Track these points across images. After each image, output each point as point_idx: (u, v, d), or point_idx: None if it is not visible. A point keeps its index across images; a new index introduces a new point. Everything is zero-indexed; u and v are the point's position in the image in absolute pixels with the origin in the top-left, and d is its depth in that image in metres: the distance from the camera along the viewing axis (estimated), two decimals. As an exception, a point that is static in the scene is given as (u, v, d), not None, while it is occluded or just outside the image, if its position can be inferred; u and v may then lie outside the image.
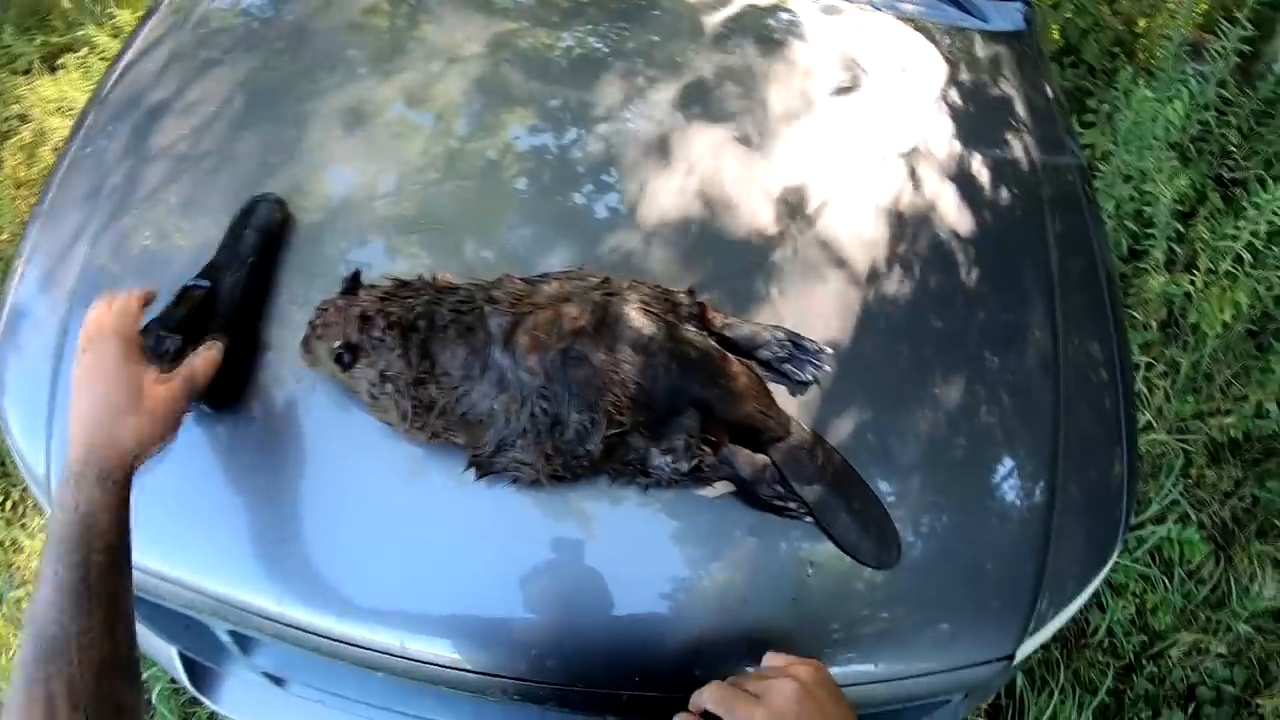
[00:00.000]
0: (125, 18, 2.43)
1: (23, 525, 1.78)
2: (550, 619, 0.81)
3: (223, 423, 0.86)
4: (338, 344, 0.79)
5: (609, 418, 0.77)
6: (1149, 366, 1.89)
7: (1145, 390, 1.86)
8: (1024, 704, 1.52)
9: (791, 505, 0.82)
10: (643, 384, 0.78)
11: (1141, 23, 2.47)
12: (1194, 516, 1.73)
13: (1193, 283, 1.88)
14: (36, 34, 2.43)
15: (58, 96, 2.25)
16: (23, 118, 2.24)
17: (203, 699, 1.09)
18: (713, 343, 0.84)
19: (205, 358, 0.77)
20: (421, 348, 0.78)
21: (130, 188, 1.02)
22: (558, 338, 0.77)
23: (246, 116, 1.07)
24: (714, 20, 1.23)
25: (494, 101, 1.08)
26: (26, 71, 2.37)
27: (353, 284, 0.84)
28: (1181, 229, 1.96)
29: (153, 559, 0.83)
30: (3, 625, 1.67)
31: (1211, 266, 1.88)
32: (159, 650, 1.06)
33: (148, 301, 0.77)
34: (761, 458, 0.82)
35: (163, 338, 0.79)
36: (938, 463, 0.89)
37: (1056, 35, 2.40)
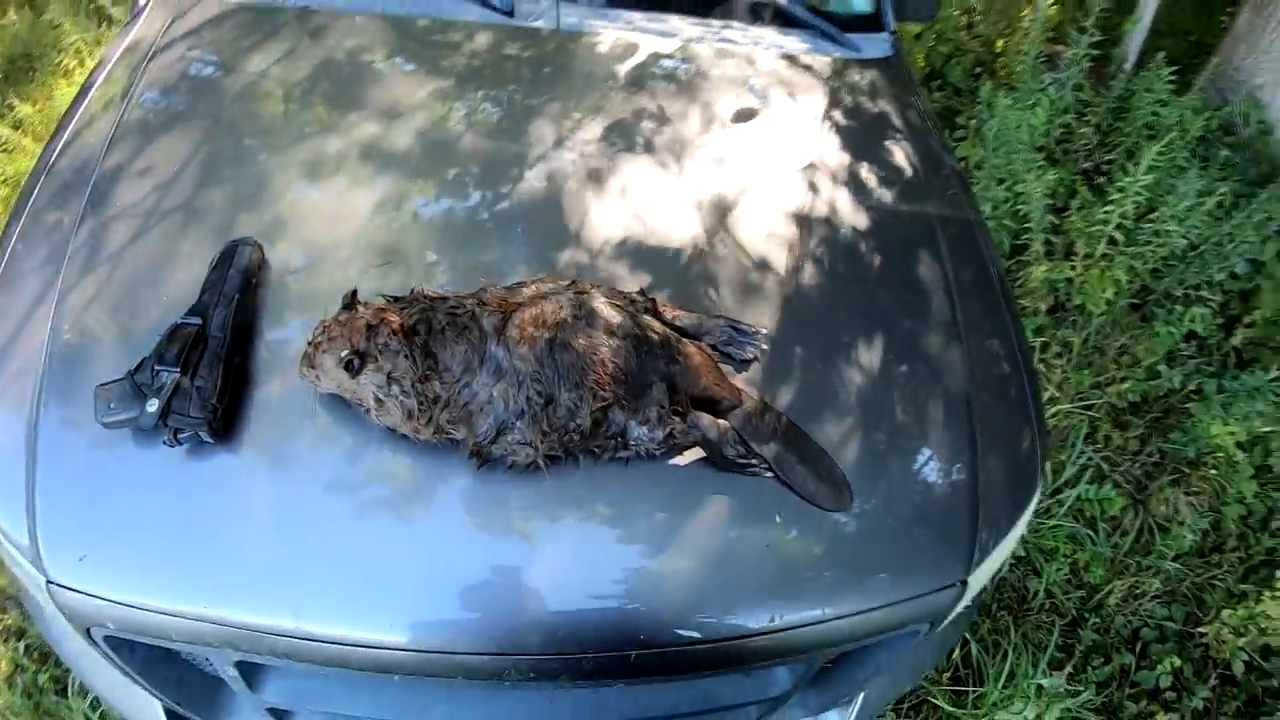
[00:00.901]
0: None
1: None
2: (552, 596, 0.87)
3: (219, 453, 0.90)
4: (345, 352, 0.86)
5: (594, 393, 0.87)
6: (1044, 347, 2.06)
7: (1044, 369, 2.03)
8: (982, 672, 1.61)
9: (754, 462, 0.93)
10: (619, 363, 0.89)
11: (999, 43, 2.75)
12: (1109, 475, 1.89)
13: (1073, 268, 2.08)
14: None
15: None
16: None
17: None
18: (668, 329, 0.96)
19: None
20: (424, 348, 0.87)
21: (85, 263, 1.04)
22: (545, 329, 0.88)
23: (202, 175, 1.13)
24: (625, 68, 1.36)
25: (444, 146, 1.19)
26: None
27: (351, 301, 0.91)
28: (1057, 221, 2.17)
29: (163, 598, 0.85)
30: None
31: (1089, 251, 2.08)
32: (141, 708, 1.07)
33: None
34: (723, 422, 0.93)
35: (158, 372, 0.85)
36: (872, 443, 1.01)
37: (922, 63, 2.65)
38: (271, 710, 1.03)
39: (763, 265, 1.13)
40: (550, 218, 1.13)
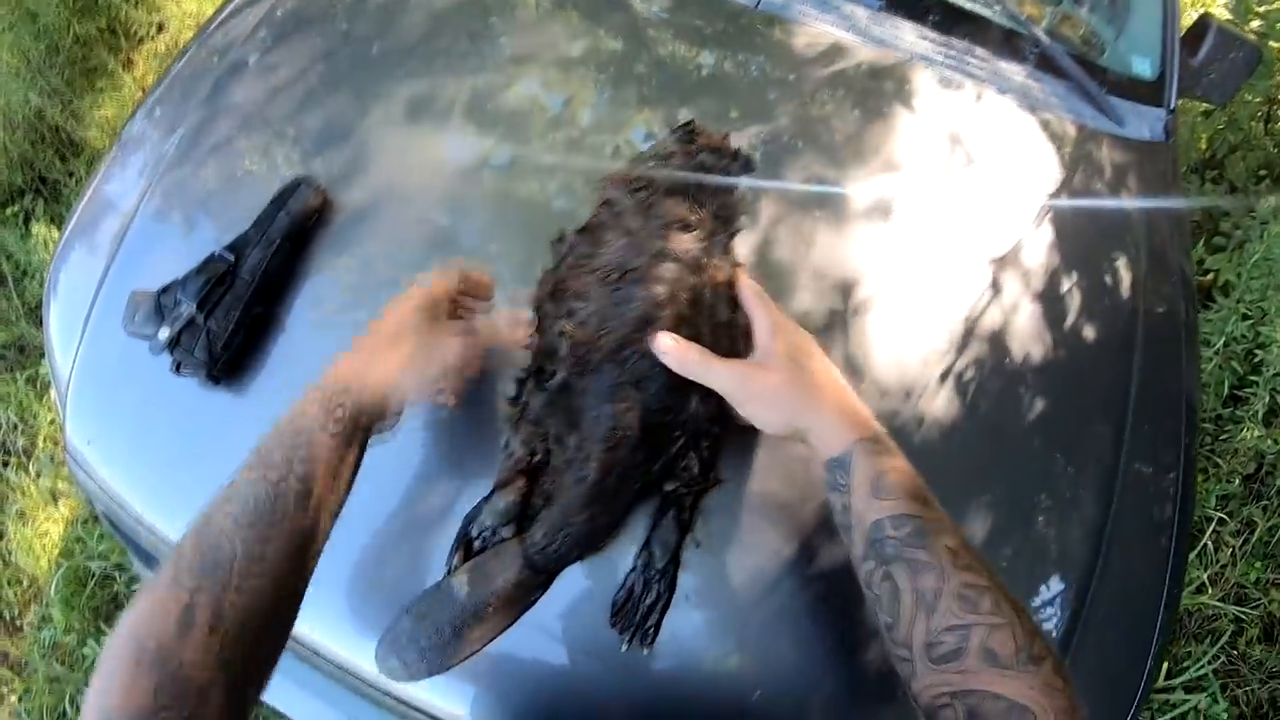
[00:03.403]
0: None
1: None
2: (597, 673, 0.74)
3: (226, 396, 0.87)
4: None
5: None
6: (1222, 521, 1.74)
7: (1211, 546, 1.72)
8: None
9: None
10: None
11: (1301, 151, 2.27)
12: (1231, 689, 1.59)
13: (1292, 444, 1.72)
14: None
15: (196, 12, 2.36)
16: (160, 27, 2.36)
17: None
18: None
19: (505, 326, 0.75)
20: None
21: (201, 133, 1.05)
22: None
23: (319, 93, 1.07)
24: (818, 72, 1.15)
25: (587, 106, 1.04)
26: (173, -18, 2.50)
27: None
28: (1294, 384, 1.80)
29: (144, 509, 0.85)
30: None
31: (1317, 431, 1.72)
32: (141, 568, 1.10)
33: (476, 292, 0.73)
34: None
35: (179, 301, 0.82)
36: None
37: (1204, 146, 2.23)
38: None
39: (922, 332, 0.94)
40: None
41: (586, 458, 0.63)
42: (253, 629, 0.50)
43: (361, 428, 0.59)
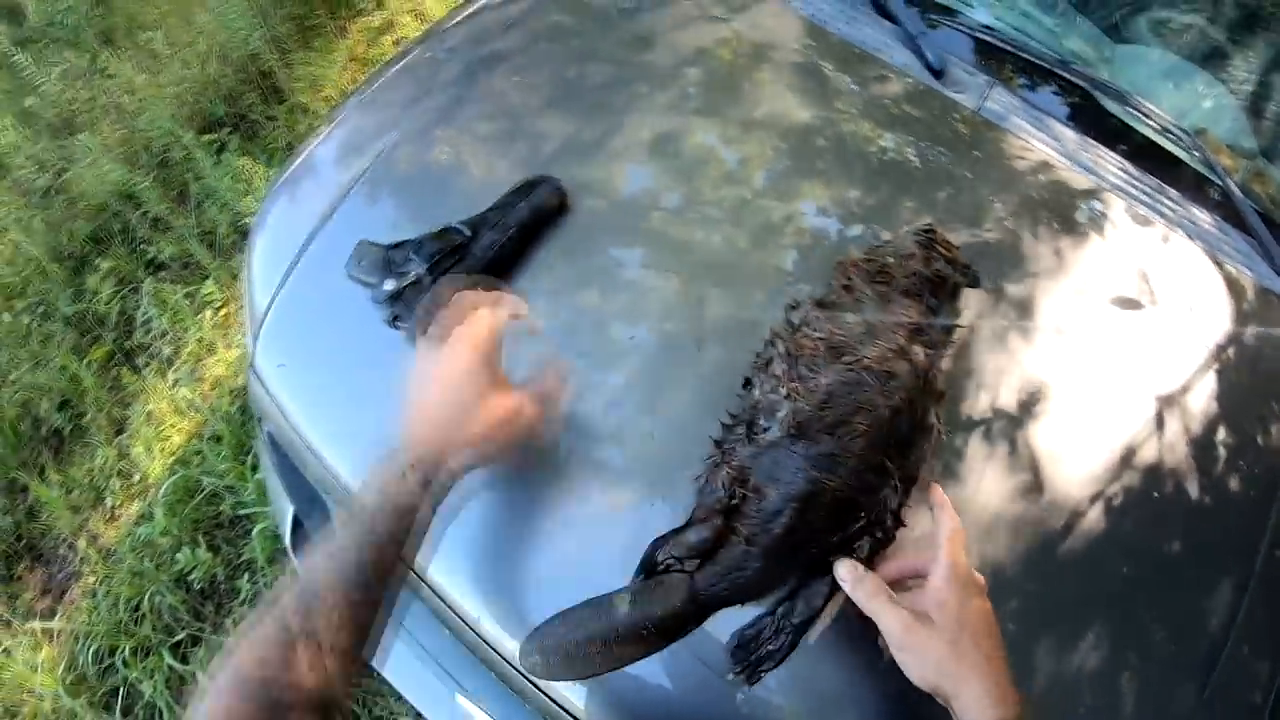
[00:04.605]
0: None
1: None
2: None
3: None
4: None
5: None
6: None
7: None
8: None
9: None
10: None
11: None
12: None
13: None
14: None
15: (415, -1, 2.53)
16: (379, 3, 2.53)
17: (294, 560, 1.18)
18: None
19: (556, 385, 0.79)
20: None
21: (445, 113, 1.12)
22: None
23: (571, 95, 1.14)
24: (1021, 182, 1.18)
25: (796, 170, 1.09)
26: (397, -35, 2.67)
27: None
28: None
29: (315, 436, 0.91)
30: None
31: None
32: (279, 506, 1.16)
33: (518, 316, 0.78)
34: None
35: (410, 259, 0.87)
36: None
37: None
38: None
39: (1042, 465, 0.93)
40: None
41: (778, 512, 0.66)
42: (346, 654, 0.58)
43: (442, 489, 0.67)
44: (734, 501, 0.69)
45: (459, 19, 1.29)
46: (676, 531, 0.71)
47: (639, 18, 1.26)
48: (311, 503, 1.10)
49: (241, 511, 1.72)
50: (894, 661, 0.65)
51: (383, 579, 0.61)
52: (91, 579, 1.70)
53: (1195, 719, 0.84)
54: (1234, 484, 1.01)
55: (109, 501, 1.80)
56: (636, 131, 1.10)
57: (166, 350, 2.01)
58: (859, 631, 0.71)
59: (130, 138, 2.22)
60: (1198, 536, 0.96)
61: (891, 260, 0.83)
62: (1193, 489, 0.98)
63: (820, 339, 0.73)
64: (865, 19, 1.34)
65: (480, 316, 0.72)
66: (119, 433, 1.89)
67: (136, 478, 1.84)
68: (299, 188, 1.12)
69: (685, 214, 1.02)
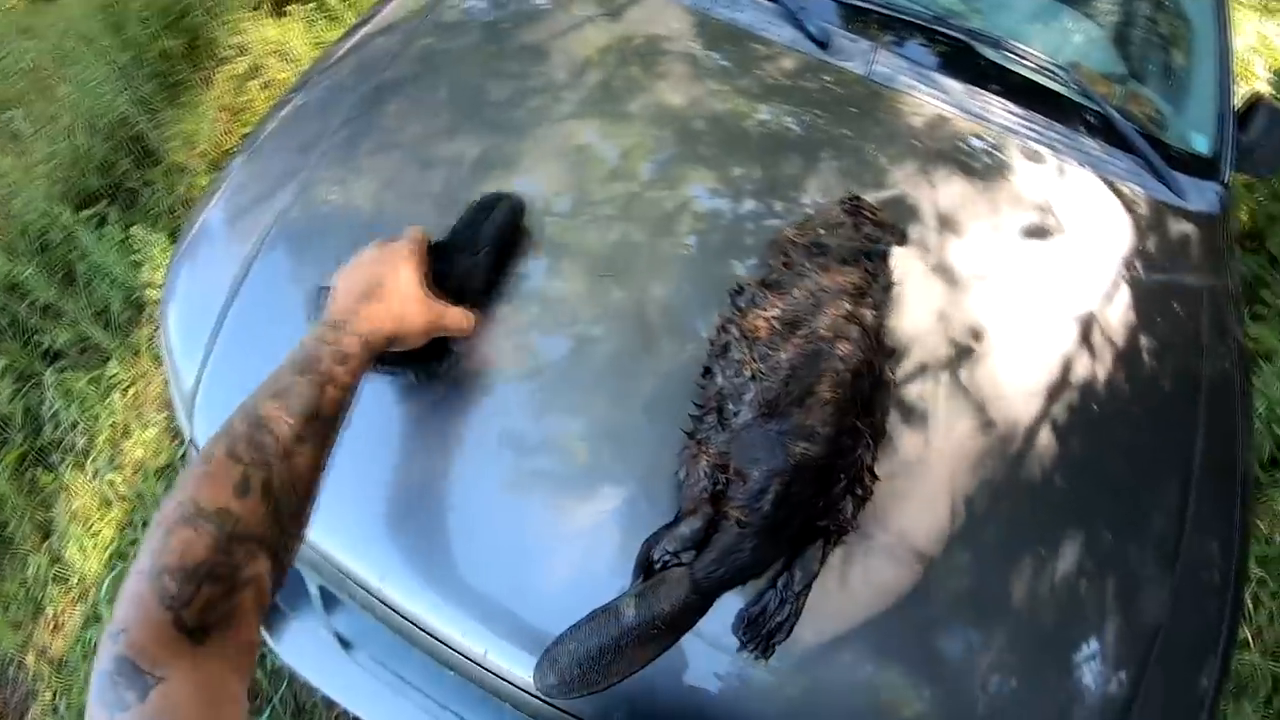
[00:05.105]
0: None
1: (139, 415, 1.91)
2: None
3: (398, 393, 0.90)
4: None
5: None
6: (1261, 581, 1.78)
7: (1251, 605, 1.75)
8: None
9: None
10: None
11: (1336, 225, 2.35)
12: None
13: (1332, 506, 1.77)
14: (275, -24, 2.63)
15: (278, 39, 2.44)
16: (241, 49, 2.43)
17: (266, 638, 1.14)
18: None
19: (460, 313, 0.83)
20: None
21: (344, 152, 1.09)
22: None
23: (469, 114, 1.13)
24: (919, 137, 1.24)
25: (681, 155, 1.11)
26: (255, 8, 2.58)
27: None
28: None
29: None
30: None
31: (1354, 496, 1.76)
32: None
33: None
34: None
35: None
36: (1031, 622, 0.87)
37: (1245, 219, 2.32)
38: (339, 635, 1.06)
39: (979, 399, 0.98)
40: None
41: (764, 490, 0.68)
42: (293, 497, 0.60)
43: (371, 349, 0.72)
44: (719, 488, 0.70)
45: (336, 57, 1.26)
46: (668, 527, 0.72)
47: (525, 27, 1.26)
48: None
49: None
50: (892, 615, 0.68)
51: (321, 423, 0.63)
52: (49, 695, 1.60)
53: (1172, 606, 0.91)
54: (1165, 386, 1.10)
55: (50, 610, 1.70)
56: (548, 139, 1.10)
57: (80, 441, 1.90)
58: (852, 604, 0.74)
59: (5, 226, 2.09)
60: (1141, 440, 1.03)
61: (824, 232, 0.86)
62: (1128, 397, 1.06)
63: (774, 317, 0.75)
64: (745, 1, 1.37)
65: (413, 230, 0.81)
66: (46, 537, 1.78)
67: (74, 580, 1.74)
68: (203, 252, 1.07)
69: (605, 215, 1.03)
